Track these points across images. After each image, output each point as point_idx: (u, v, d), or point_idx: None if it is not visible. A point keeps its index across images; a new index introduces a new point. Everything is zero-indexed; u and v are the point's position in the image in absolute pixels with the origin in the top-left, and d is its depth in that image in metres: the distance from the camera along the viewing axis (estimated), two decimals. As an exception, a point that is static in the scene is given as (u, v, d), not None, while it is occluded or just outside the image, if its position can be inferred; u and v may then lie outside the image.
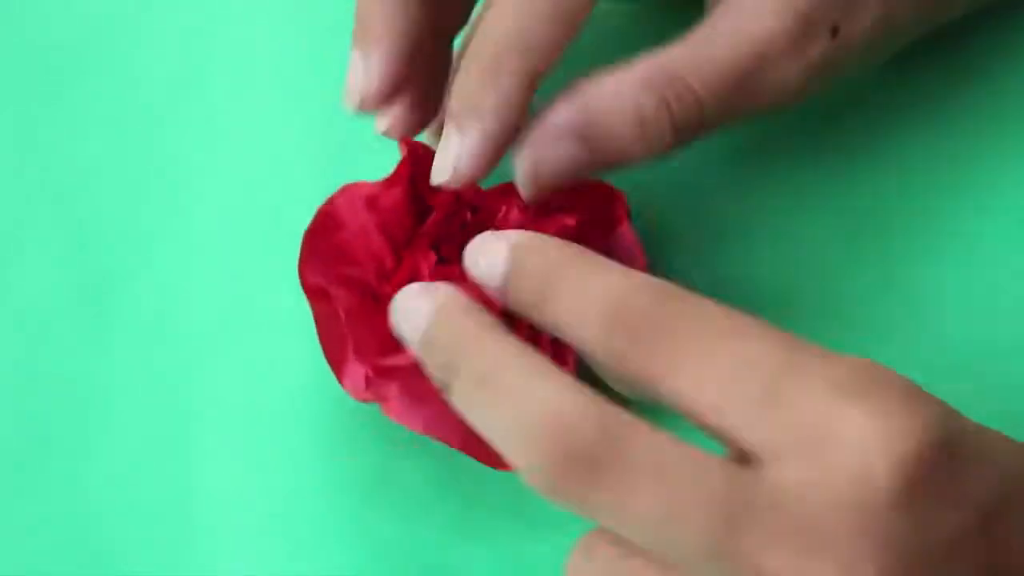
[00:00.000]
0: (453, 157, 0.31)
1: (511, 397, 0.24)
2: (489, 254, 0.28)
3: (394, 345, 0.32)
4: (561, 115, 0.31)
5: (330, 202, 0.34)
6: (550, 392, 0.24)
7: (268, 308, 0.38)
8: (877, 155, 0.39)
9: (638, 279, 0.26)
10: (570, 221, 0.33)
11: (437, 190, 0.33)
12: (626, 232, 0.35)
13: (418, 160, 0.33)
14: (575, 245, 0.27)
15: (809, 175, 0.38)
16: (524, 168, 0.31)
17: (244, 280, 0.38)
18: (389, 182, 0.34)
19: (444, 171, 0.31)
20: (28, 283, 0.39)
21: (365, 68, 0.32)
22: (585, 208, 0.34)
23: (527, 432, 0.24)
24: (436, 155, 0.31)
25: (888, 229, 0.38)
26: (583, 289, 0.26)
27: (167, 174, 0.40)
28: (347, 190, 0.34)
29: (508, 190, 0.33)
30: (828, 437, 0.23)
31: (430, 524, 0.35)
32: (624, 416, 0.24)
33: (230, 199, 0.40)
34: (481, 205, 0.34)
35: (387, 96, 0.33)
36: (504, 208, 0.33)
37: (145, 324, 0.38)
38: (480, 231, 0.33)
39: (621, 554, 0.25)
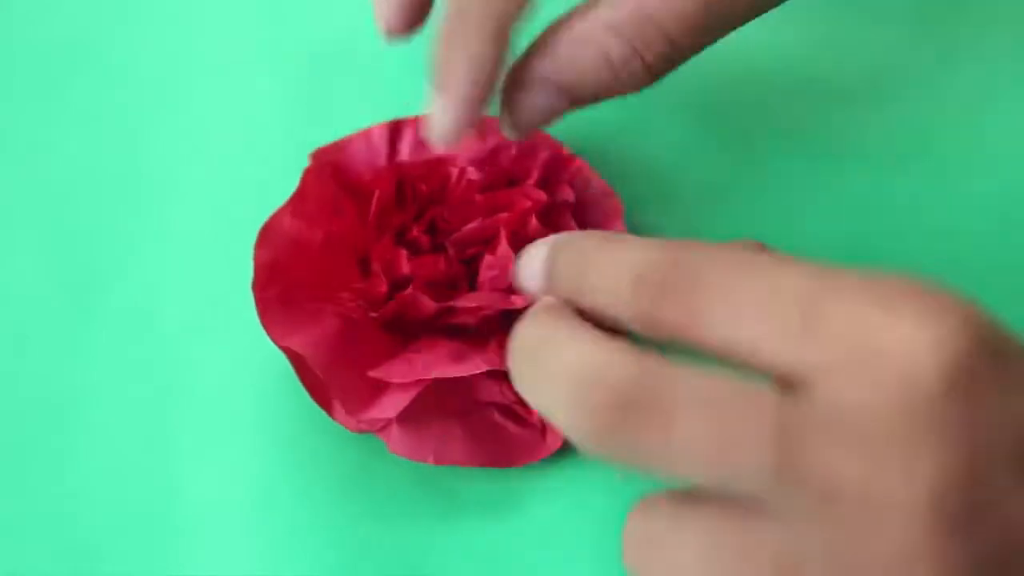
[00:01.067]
0: (438, 118, 0.32)
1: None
2: (530, 258, 0.30)
3: (377, 380, 0.33)
4: (534, 66, 0.32)
5: (264, 255, 0.34)
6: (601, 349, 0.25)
7: (248, 307, 0.38)
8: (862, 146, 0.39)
9: (658, 242, 0.27)
10: (540, 196, 0.34)
11: (367, 177, 0.34)
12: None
13: (325, 165, 0.34)
14: (599, 232, 0.29)
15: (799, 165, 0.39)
16: (505, 118, 0.33)
17: (225, 278, 0.38)
18: (309, 205, 0.34)
19: (433, 134, 0.32)
20: (7, 283, 0.39)
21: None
22: (542, 168, 0.35)
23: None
24: (428, 120, 0.32)
25: (868, 212, 0.39)
26: (611, 264, 0.27)
27: (148, 173, 0.40)
28: (269, 233, 0.34)
29: (445, 156, 0.34)
30: (873, 349, 0.23)
31: (414, 524, 0.35)
32: (666, 361, 0.25)
33: (212, 199, 0.40)
34: (426, 174, 0.34)
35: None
36: (456, 172, 0.34)
37: (126, 323, 0.38)
38: (438, 202, 0.34)
39: (686, 507, 0.25)
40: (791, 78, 0.41)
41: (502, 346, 0.33)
